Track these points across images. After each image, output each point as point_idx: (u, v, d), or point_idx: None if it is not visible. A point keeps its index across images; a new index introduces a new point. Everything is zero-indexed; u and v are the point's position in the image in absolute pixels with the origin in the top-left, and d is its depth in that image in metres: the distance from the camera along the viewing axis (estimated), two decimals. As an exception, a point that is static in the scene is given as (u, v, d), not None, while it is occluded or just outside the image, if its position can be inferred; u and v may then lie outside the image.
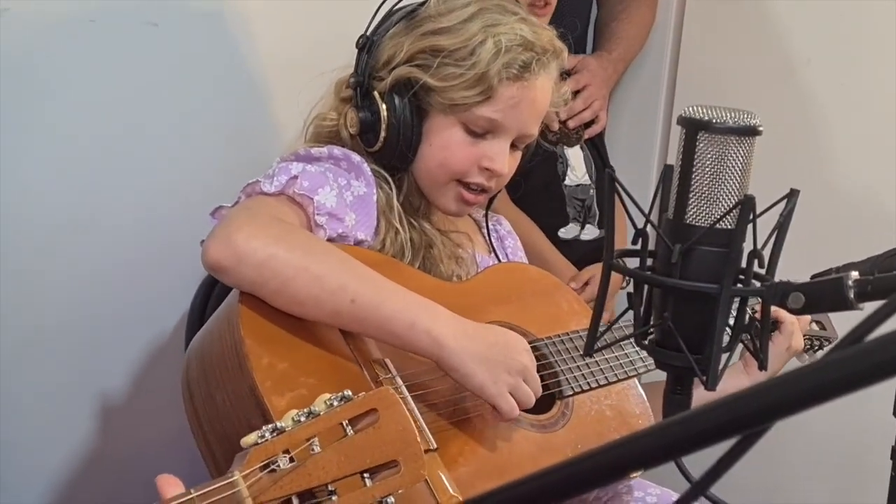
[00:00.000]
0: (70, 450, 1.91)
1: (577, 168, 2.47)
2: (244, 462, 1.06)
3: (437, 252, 1.71)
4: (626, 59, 2.68)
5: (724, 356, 1.09)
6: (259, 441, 1.08)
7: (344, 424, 1.10)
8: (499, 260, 1.88)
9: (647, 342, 1.14)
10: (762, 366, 1.12)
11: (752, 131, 1.08)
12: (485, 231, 1.89)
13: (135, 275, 1.89)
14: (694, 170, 1.08)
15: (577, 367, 1.68)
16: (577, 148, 2.49)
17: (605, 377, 1.71)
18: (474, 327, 1.51)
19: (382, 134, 1.66)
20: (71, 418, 1.90)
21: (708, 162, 1.08)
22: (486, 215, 1.87)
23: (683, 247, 1.08)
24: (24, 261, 1.78)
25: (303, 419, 1.10)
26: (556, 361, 1.66)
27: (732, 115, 1.08)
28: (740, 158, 1.08)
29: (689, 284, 1.07)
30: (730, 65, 2.70)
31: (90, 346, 1.87)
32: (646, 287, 1.12)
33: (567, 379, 1.66)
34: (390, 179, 1.69)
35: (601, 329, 1.14)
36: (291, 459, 1.07)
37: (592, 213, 2.48)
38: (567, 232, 2.46)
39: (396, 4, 1.72)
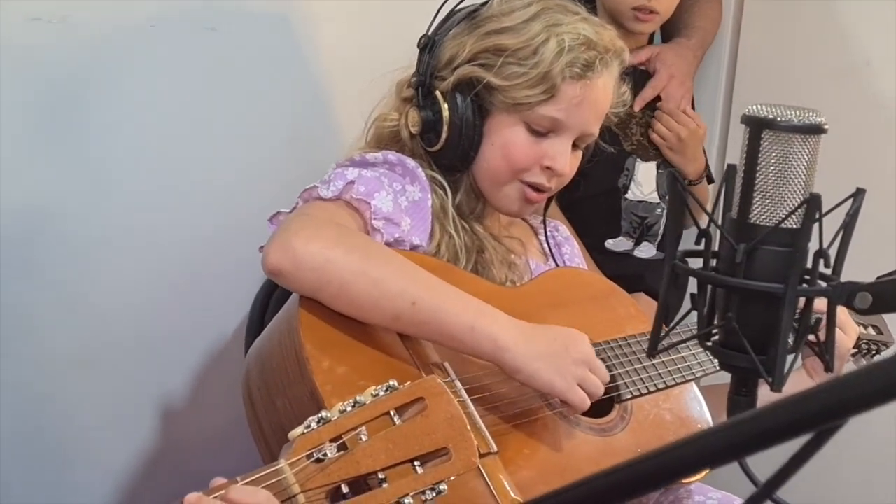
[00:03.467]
0: (133, 453, 1.92)
1: (644, 184, 2.42)
2: (290, 451, 1.07)
3: (488, 256, 1.71)
4: (703, 47, 2.59)
5: (790, 357, 1.09)
6: (305, 431, 1.08)
7: (391, 414, 1.10)
8: (556, 265, 1.87)
9: (710, 343, 1.12)
10: (829, 367, 1.11)
11: (817, 129, 1.06)
12: (542, 236, 1.88)
13: (195, 281, 1.91)
14: (758, 168, 1.07)
15: (635, 370, 1.67)
16: (653, 165, 2.43)
17: (664, 381, 1.69)
18: (532, 328, 1.51)
19: (444, 133, 1.66)
20: (133, 422, 1.92)
21: (772, 160, 1.06)
22: (543, 220, 1.86)
23: (748, 246, 1.06)
24: (91, 264, 1.80)
25: (348, 409, 1.10)
26: (613, 365, 1.64)
27: (797, 113, 1.06)
28: (805, 157, 1.06)
29: (755, 284, 1.06)
30: (788, 65, 2.66)
31: (152, 350, 1.89)
32: (709, 288, 1.11)
33: (626, 383, 1.65)
34: (445, 184, 1.69)
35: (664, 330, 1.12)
36: (339, 449, 1.07)
37: (653, 232, 2.43)
38: (616, 244, 2.42)
39: (458, 4, 1.72)
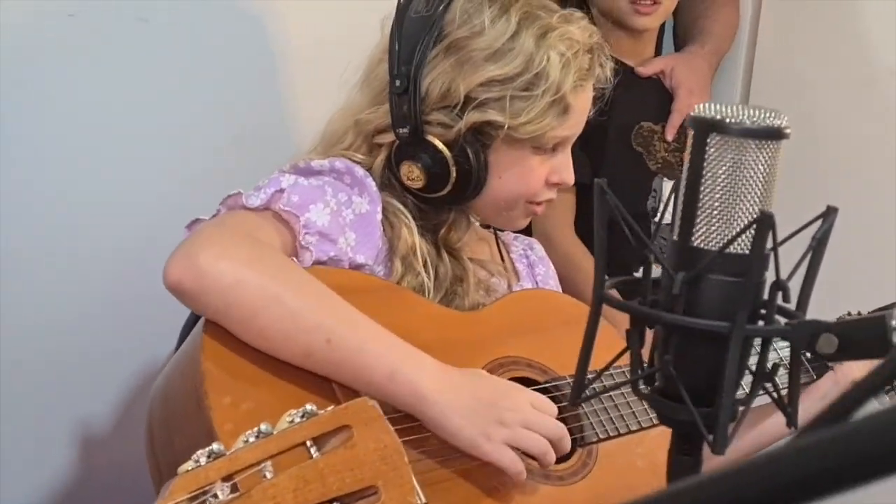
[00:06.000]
0: (46, 475, 1.79)
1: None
2: (167, 493, 0.88)
3: (465, 286, 1.55)
4: (718, 55, 2.44)
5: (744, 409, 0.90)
6: (191, 468, 0.90)
7: (308, 445, 0.91)
8: (536, 285, 1.72)
9: (647, 390, 0.94)
10: (791, 422, 0.92)
11: (775, 134, 0.88)
12: (514, 252, 1.72)
13: (121, 297, 1.78)
14: (703, 181, 0.89)
15: (605, 409, 1.48)
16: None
17: (639, 421, 1.50)
18: (461, 376, 1.34)
19: (452, 180, 1.50)
20: (47, 443, 1.79)
21: (720, 171, 0.88)
22: (494, 232, 1.70)
23: (689, 275, 0.88)
24: (15, 269, 1.69)
25: (252, 440, 0.92)
26: (580, 402, 1.46)
27: (752, 113, 0.88)
28: (760, 167, 0.88)
29: (694, 322, 0.87)
30: (806, 73, 2.51)
31: (68, 374, 1.76)
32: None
33: (592, 423, 1.46)
34: (411, 217, 1.52)
35: (590, 376, 0.95)
36: (235, 488, 0.88)
37: None
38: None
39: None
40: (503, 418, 1.32)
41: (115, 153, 1.74)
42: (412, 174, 1.50)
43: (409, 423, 1.32)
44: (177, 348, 1.64)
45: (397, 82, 1.50)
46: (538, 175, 1.54)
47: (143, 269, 1.72)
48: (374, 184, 1.50)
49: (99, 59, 1.69)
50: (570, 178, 1.56)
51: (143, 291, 1.73)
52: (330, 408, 0.93)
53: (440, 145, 1.49)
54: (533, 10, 1.52)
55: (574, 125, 1.54)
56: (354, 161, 1.53)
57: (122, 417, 1.83)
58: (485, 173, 1.51)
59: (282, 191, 1.40)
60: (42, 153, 1.68)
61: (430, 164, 1.49)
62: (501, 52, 1.49)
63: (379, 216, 1.49)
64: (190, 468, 0.91)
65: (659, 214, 2.21)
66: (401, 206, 1.52)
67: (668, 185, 2.24)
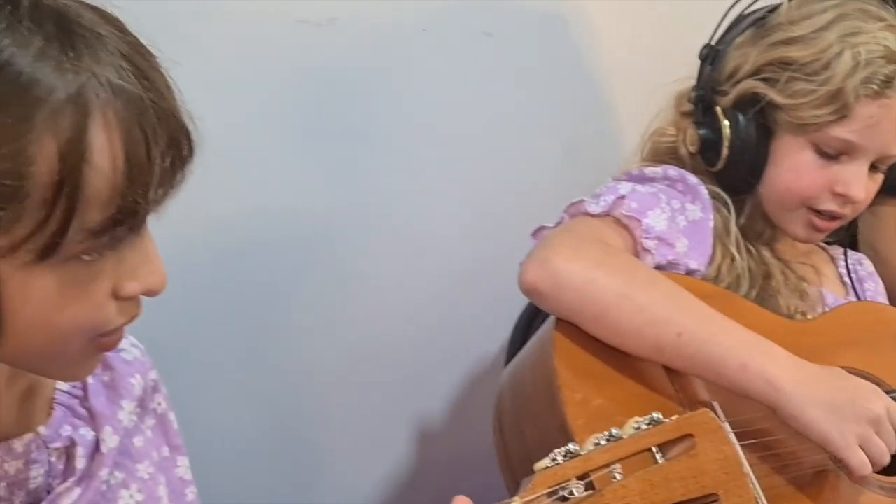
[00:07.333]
0: (380, 477, 1.89)
1: None
2: (529, 486, 0.95)
3: (775, 284, 1.56)
4: None
5: None
6: (549, 465, 0.97)
7: (653, 451, 0.96)
8: (858, 298, 1.69)
9: None
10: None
11: None
12: (841, 267, 1.71)
13: (457, 297, 1.86)
14: None
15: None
16: None
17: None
18: (816, 370, 1.34)
19: (724, 153, 1.52)
20: (385, 435, 1.88)
21: None
22: (845, 252, 1.70)
23: None
24: (350, 276, 1.79)
25: (603, 442, 0.97)
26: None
27: None
28: None
29: None
30: None
31: (410, 369, 1.85)
32: None
33: None
34: (729, 202, 1.55)
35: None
36: (588, 487, 0.94)
37: None
38: None
39: (748, 8, 1.57)
40: (860, 418, 1.32)
41: (461, 162, 1.82)
42: (691, 137, 1.55)
43: (747, 427, 1.34)
44: (509, 349, 1.74)
45: (705, 51, 1.56)
46: (814, 175, 1.51)
47: (477, 273, 1.84)
48: (706, 191, 1.53)
49: (447, 70, 1.78)
50: (856, 192, 1.51)
51: (476, 295, 1.85)
52: (674, 417, 0.97)
53: (720, 113, 1.52)
54: (858, 15, 1.51)
55: (861, 133, 1.48)
56: (667, 137, 1.59)
57: (455, 413, 1.91)
58: (763, 157, 1.52)
59: (622, 197, 1.45)
60: (394, 162, 1.78)
61: (708, 132, 1.53)
62: (802, 40, 1.50)
63: (711, 223, 1.52)
64: (548, 465, 0.97)
65: None
66: (716, 190, 1.54)
67: None
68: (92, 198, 0.77)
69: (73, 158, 0.75)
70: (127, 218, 0.80)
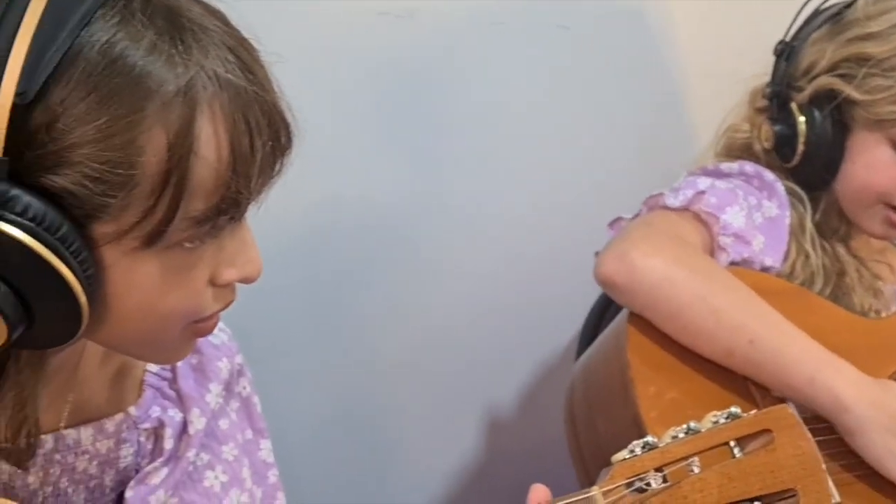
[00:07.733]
0: (450, 464, 1.91)
1: None
2: (608, 477, 0.97)
3: (849, 281, 1.55)
4: None
5: None
6: (627, 456, 0.98)
7: (731, 445, 0.97)
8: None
9: None
10: None
11: None
12: None
13: (530, 286, 1.87)
14: None
15: None
16: None
17: None
18: (883, 390, 1.35)
19: (800, 149, 1.51)
20: (457, 424, 1.90)
21: None
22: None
23: None
24: (424, 266, 1.81)
25: (681, 435, 0.99)
26: None
27: None
28: None
29: None
30: None
31: (480, 357, 1.87)
32: None
33: None
34: (805, 198, 1.54)
35: None
36: (665, 479, 0.96)
37: None
38: None
39: (822, 4, 1.57)
40: None
41: (536, 154, 1.83)
42: (766, 134, 1.54)
43: (820, 424, 1.35)
44: (580, 340, 1.74)
45: (780, 46, 1.55)
46: (891, 172, 1.50)
47: (549, 264, 1.85)
48: (783, 188, 1.53)
49: (523, 63, 1.79)
50: None
51: (548, 285, 1.86)
52: (752, 412, 0.97)
53: (795, 109, 1.51)
54: None
55: None
56: (742, 133, 1.58)
57: (526, 404, 1.92)
58: (839, 153, 1.51)
59: (701, 192, 1.45)
60: (469, 153, 1.80)
61: (783, 128, 1.52)
62: (879, 36, 1.49)
63: (787, 220, 1.51)
64: (626, 457, 0.98)
65: None
66: (792, 186, 1.54)
67: None
68: (197, 187, 0.79)
69: (182, 149, 0.78)
70: (230, 207, 0.82)
